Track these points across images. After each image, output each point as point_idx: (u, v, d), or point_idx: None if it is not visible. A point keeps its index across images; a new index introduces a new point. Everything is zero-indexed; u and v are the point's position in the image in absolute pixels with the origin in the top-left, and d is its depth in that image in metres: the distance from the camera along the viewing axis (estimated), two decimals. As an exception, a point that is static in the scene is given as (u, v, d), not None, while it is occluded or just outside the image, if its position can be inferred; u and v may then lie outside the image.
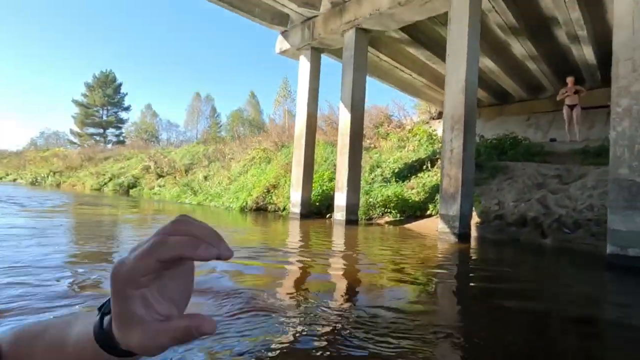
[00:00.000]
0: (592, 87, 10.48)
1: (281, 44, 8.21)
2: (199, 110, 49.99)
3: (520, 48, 8.09)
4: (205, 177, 14.04)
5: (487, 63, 8.91)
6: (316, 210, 8.30)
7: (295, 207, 7.82)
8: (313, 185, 8.52)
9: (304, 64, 7.89)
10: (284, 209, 8.83)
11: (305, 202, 7.82)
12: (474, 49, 5.14)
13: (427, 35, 8.09)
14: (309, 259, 3.73)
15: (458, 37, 5.15)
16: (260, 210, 9.41)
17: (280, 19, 7.82)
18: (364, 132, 12.95)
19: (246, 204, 9.56)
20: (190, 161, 17.02)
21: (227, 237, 0.27)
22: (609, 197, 3.82)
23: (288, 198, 8.40)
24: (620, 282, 3.42)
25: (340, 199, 6.79)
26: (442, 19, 6.96)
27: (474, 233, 5.73)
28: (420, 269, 3.36)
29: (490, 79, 10.62)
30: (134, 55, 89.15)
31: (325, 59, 8.25)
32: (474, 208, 5.85)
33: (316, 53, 7.80)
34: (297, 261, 3.61)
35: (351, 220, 6.74)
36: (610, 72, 9.40)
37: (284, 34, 8.08)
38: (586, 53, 8.18)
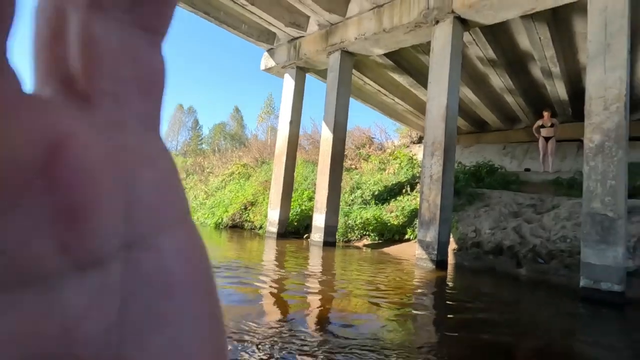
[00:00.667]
0: (563, 121, 10.97)
1: (267, 61, 8.20)
2: (181, 122, 49.34)
3: (498, 81, 8.41)
4: (182, 191, 13.63)
5: (466, 93, 9.19)
6: (294, 229, 8.12)
7: (272, 225, 7.61)
8: (292, 204, 8.36)
9: (288, 82, 7.87)
10: (261, 227, 8.60)
11: (283, 221, 7.63)
12: (454, 78, 5.25)
13: (410, 63, 8.29)
14: (282, 280, 3.55)
15: (440, 66, 5.26)
16: (236, 228, 9.13)
17: (266, 37, 7.84)
18: (346, 153, 13.02)
19: (222, 220, 9.27)
20: (167, 173, 16.55)
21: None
22: (582, 230, 3.87)
23: (265, 216, 8.20)
24: (592, 316, 3.40)
25: (319, 220, 6.65)
26: (425, 48, 7.15)
27: (451, 260, 5.70)
28: (396, 296, 3.24)
29: (470, 108, 10.95)
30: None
31: (309, 77, 8.29)
32: (451, 234, 5.84)
33: (301, 72, 7.81)
34: (271, 282, 3.43)
35: (329, 242, 6.59)
36: (580, 107, 9.85)
37: (270, 51, 8.09)
38: (559, 88, 8.58)
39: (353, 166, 11.45)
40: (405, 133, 14.83)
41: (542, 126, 8.53)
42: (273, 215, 7.64)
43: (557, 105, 9.73)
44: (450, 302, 3.52)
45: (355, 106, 34.24)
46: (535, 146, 11.31)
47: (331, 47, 6.76)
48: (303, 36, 7.29)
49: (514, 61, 7.86)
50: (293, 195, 8.94)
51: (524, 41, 6.97)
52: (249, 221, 9.07)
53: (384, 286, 3.70)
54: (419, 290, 3.71)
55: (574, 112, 10.21)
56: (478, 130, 12.84)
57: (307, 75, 8.21)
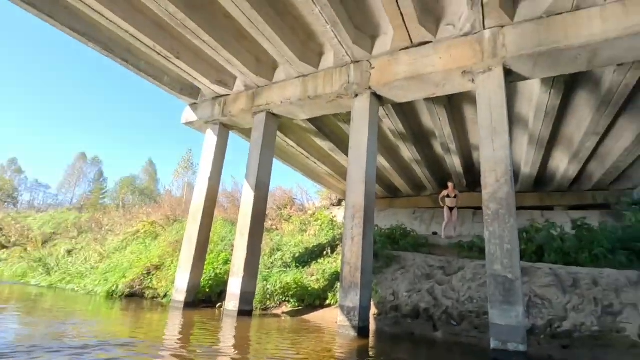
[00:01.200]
0: (460, 190, 12.60)
1: (189, 115, 7.92)
2: (81, 172, 43.86)
3: (407, 152, 9.38)
4: (69, 252, 11.51)
5: (381, 161, 10.01)
6: (206, 297, 7.24)
7: (179, 293, 6.68)
8: (205, 267, 7.57)
9: (210, 138, 7.62)
10: (165, 295, 7.49)
11: (193, 288, 6.77)
12: (372, 145, 5.65)
13: (332, 129, 8.83)
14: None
15: (359, 133, 5.64)
16: (135, 297, 7.80)
17: (190, 91, 7.66)
18: (267, 213, 12.74)
19: (117, 287, 7.87)
20: (53, 230, 14.01)
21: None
22: (488, 292, 4.13)
23: (172, 282, 7.21)
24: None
25: (235, 286, 6.05)
26: (345, 117, 7.73)
27: (372, 326, 5.55)
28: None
29: (384, 175, 11.89)
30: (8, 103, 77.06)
31: (231, 135, 8.16)
32: (372, 298, 5.78)
33: (225, 129, 7.68)
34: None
35: (245, 311, 5.96)
36: (472, 179, 11.35)
37: (193, 106, 7.87)
38: (455, 162, 9.90)
39: (274, 227, 11.15)
40: (325, 195, 15.29)
41: (448, 196, 9.35)
42: (182, 281, 6.75)
43: (455, 176, 11.13)
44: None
45: (278, 167, 34.66)
46: (439, 212, 12.55)
47: (257, 107, 6.85)
48: (229, 94, 7.30)
49: (420, 136, 8.93)
50: (207, 257, 8.16)
51: (427, 120, 8.02)
52: (152, 288, 7.86)
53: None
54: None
55: (468, 183, 11.79)
56: (391, 195, 13.89)
57: (231, 132, 8.11)
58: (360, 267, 4.99)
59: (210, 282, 7.33)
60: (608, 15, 4.24)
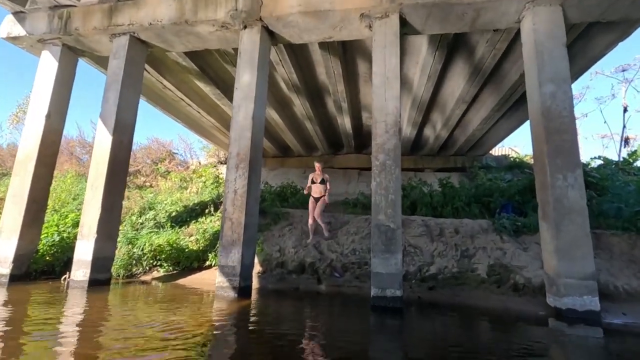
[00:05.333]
0: (348, 152, 13.04)
1: (12, 27, 5.77)
2: None
3: (300, 107, 8.96)
4: None
5: (272, 115, 9.39)
6: (47, 267, 5.74)
7: (2, 265, 5.08)
8: (46, 230, 5.96)
9: (47, 63, 5.73)
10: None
11: (24, 257, 5.24)
12: (262, 88, 4.99)
13: (217, 73, 7.73)
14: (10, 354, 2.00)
15: (247, 72, 4.89)
16: None
17: (12, -8, 5.52)
18: (139, 168, 10.94)
19: None
20: None
21: None
22: (372, 242, 4.13)
23: (-9, 251, 5.45)
24: (381, 323, 3.53)
25: (84, 251, 4.86)
26: (232, 59, 6.77)
27: (255, 284, 5.20)
28: (183, 348, 2.35)
29: (275, 132, 11.35)
30: None
31: (85, 66, 6.36)
32: (256, 256, 5.39)
33: (70, 53, 5.86)
34: None
35: (99, 281, 4.88)
36: (360, 142, 11.73)
37: (19, 15, 5.74)
38: (346, 123, 9.97)
39: (148, 183, 9.63)
40: (212, 152, 14.02)
41: (313, 182, 6.66)
42: (6, 249, 5.13)
43: (344, 137, 11.34)
44: (254, 335, 2.91)
45: (155, 115, 30.60)
46: (329, 172, 12.84)
47: (116, 27, 5.34)
48: (75, 5, 5.51)
49: (314, 91, 8.57)
50: (50, 218, 6.47)
51: (322, 74, 7.66)
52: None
53: (172, 334, 2.72)
54: (215, 334, 2.93)
55: (356, 145, 12.22)
56: (282, 154, 13.53)
57: (82, 61, 6.29)
58: (244, 222, 4.47)
59: (52, 248, 5.82)
60: (493, -24, 4.39)
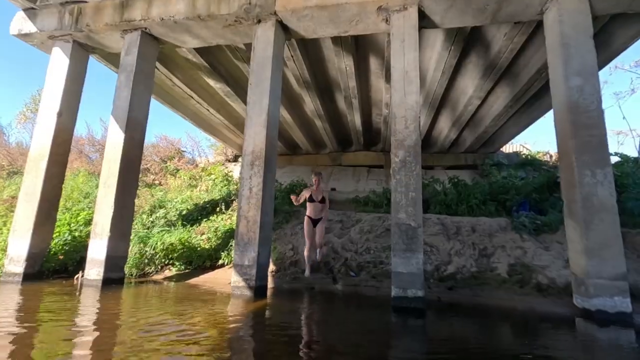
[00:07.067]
0: (357, 149, 12.90)
1: (23, 24, 5.71)
2: None
3: (310, 104, 8.84)
4: None
5: (282, 112, 9.28)
6: (60, 266, 5.71)
7: (15, 263, 5.05)
8: (58, 229, 5.92)
9: (58, 60, 5.68)
10: (-4, 267, 5.66)
11: (37, 256, 5.21)
12: (276, 84, 4.90)
13: (228, 69, 7.64)
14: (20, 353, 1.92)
15: (262, 68, 4.79)
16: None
17: (24, -10, 5.47)
18: (149, 166, 10.90)
19: None
20: None
21: None
22: (392, 241, 4.02)
23: (4, 250, 5.43)
24: (404, 324, 3.42)
25: (98, 249, 4.80)
26: (244, 55, 6.66)
27: (270, 283, 5.11)
28: (206, 353, 2.26)
29: (284, 129, 11.25)
30: None
31: (97, 65, 6.31)
32: (271, 255, 5.30)
33: (81, 50, 5.80)
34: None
35: (113, 280, 4.83)
36: (369, 139, 11.59)
37: (30, 12, 5.69)
38: (356, 119, 9.84)
39: (157, 182, 9.59)
40: (220, 150, 13.95)
41: (311, 199, 5.62)
42: (18, 247, 5.10)
43: (353, 134, 11.21)
44: (275, 336, 2.82)
45: (164, 113, 30.67)
46: (338, 169, 12.74)
47: (128, 23, 5.27)
48: (86, 1, 5.44)
49: (325, 87, 8.45)
50: (62, 217, 6.43)
51: (333, 69, 7.54)
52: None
53: (188, 336, 2.64)
54: (232, 338, 2.84)
55: (365, 142, 12.09)
56: (290, 152, 13.43)
57: (93, 59, 6.23)
58: (260, 220, 4.38)
59: (65, 247, 5.79)
60: (516, -34, 4.24)
